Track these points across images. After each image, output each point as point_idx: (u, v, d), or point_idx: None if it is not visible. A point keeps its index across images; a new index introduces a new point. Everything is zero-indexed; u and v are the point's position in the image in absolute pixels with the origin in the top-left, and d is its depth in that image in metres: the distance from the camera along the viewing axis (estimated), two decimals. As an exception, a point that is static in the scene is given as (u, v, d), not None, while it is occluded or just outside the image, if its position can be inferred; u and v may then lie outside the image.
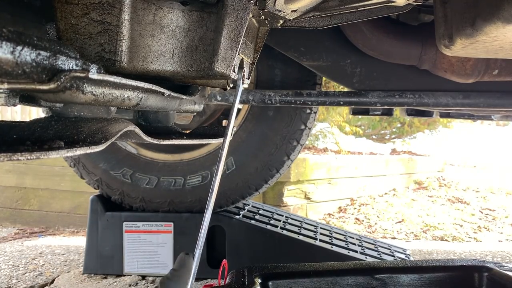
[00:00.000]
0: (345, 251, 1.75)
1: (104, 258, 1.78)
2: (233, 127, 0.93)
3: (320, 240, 1.79)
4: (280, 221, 1.92)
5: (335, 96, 1.45)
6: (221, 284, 1.07)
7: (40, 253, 2.21)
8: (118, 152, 1.78)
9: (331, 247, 1.76)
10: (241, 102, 1.49)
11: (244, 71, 0.78)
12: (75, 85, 0.46)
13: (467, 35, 0.82)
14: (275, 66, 1.63)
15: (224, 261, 1.05)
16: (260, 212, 1.99)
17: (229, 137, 0.81)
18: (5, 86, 0.40)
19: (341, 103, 1.45)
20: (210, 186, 1.80)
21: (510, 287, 1.07)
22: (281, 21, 0.89)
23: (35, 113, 4.32)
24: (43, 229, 2.91)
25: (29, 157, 0.40)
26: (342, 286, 1.14)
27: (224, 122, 2.15)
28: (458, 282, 1.14)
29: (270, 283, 1.09)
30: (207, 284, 1.30)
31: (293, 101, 1.46)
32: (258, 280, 1.08)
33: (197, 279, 1.73)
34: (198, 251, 0.74)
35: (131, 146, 1.79)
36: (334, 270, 1.17)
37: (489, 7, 0.73)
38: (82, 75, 0.45)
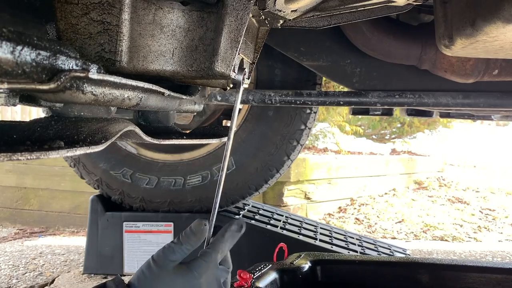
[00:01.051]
0: (345, 251, 1.75)
1: (104, 258, 1.78)
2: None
3: (320, 240, 1.79)
4: (280, 221, 1.92)
5: (335, 96, 1.45)
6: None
7: (40, 253, 2.21)
8: (118, 152, 1.78)
9: (331, 247, 1.76)
10: (241, 102, 1.49)
11: (245, 72, 0.78)
12: (75, 85, 0.46)
13: (467, 35, 0.82)
14: (275, 66, 1.63)
15: (283, 244, 1.19)
16: (260, 212, 1.98)
17: (232, 136, 0.82)
18: (5, 86, 0.40)
19: (341, 103, 1.45)
20: (210, 186, 1.81)
21: None
22: (281, 21, 0.89)
23: (35, 113, 4.32)
24: (43, 229, 2.91)
25: (29, 157, 0.40)
26: (383, 276, 1.21)
27: (224, 122, 2.15)
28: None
29: (318, 267, 1.22)
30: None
31: (293, 101, 1.46)
32: (308, 264, 1.20)
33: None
34: (213, 216, 0.80)
35: (131, 146, 1.79)
36: (379, 261, 1.26)
37: (489, 7, 0.73)
38: (82, 75, 0.45)
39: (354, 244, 1.91)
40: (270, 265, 1.16)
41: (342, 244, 1.84)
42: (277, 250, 1.18)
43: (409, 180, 4.20)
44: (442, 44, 0.93)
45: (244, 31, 0.68)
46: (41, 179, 3.01)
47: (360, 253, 1.79)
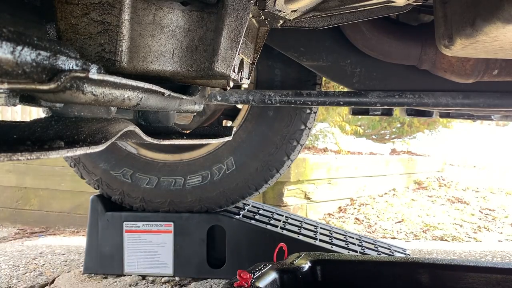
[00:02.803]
0: (345, 251, 1.75)
1: (104, 258, 1.78)
2: (233, 127, 0.94)
3: (320, 240, 1.79)
4: (280, 221, 1.92)
5: (335, 96, 1.45)
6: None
7: (41, 253, 2.21)
8: (118, 152, 1.78)
9: (331, 247, 1.76)
10: (241, 102, 1.49)
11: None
12: (75, 85, 0.46)
13: (467, 35, 0.82)
14: (275, 66, 1.63)
15: (283, 244, 1.22)
16: (260, 212, 1.99)
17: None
18: (5, 86, 0.40)
19: (341, 103, 1.45)
20: (210, 186, 1.82)
21: None
22: (281, 21, 0.89)
23: (35, 113, 4.33)
24: (43, 229, 2.91)
25: (29, 157, 0.40)
26: (383, 276, 1.21)
27: (224, 122, 2.15)
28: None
29: (318, 267, 1.23)
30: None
31: (293, 101, 1.46)
32: (308, 264, 1.21)
33: (198, 279, 1.73)
34: None
35: (131, 146, 1.79)
36: (379, 261, 1.27)
37: (489, 7, 0.73)
38: (82, 75, 0.45)
39: (354, 244, 1.91)
40: (270, 265, 1.16)
41: (342, 244, 1.84)
42: (277, 250, 1.18)
43: (409, 180, 4.20)
44: (442, 44, 0.93)
45: (244, 31, 0.68)
46: (42, 179, 3.01)
47: (360, 253, 1.79)
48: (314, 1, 0.82)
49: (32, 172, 3.03)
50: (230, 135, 0.92)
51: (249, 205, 2.06)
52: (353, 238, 2.02)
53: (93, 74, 0.46)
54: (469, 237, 2.76)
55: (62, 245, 2.40)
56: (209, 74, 0.69)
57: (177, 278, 1.74)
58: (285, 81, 1.63)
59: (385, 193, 3.82)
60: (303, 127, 1.67)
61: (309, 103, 1.46)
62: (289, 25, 1.01)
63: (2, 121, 0.49)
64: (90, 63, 0.47)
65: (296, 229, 1.86)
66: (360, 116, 2.73)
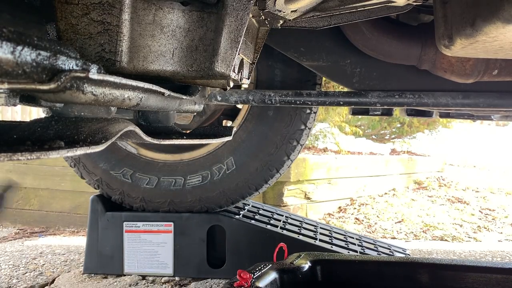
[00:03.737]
0: (345, 251, 1.75)
1: (104, 258, 1.78)
2: (233, 127, 0.94)
3: (320, 240, 1.79)
4: (280, 221, 1.92)
5: (335, 96, 1.45)
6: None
7: (41, 253, 2.21)
8: (118, 152, 1.78)
9: (331, 247, 1.76)
10: (241, 102, 1.49)
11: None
12: (75, 85, 0.46)
13: (467, 35, 0.82)
14: (275, 66, 1.63)
15: (283, 244, 1.22)
16: (260, 212, 1.99)
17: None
18: (5, 86, 0.40)
19: (341, 103, 1.45)
20: (210, 186, 1.82)
21: None
22: (281, 21, 0.89)
23: (35, 113, 4.33)
24: (43, 229, 2.91)
25: (29, 157, 0.40)
26: (383, 276, 1.22)
27: (224, 122, 2.15)
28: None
29: (318, 267, 1.23)
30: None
31: (293, 101, 1.46)
32: (308, 264, 1.22)
33: (198, 279, 1.73)
34: None
35: (131, 146, 1.79)
36: (378, 261, 1.27)
37: (489, 7, 0.73)
38: (82, 75, 0.45)
39: (354, 244, 1.91)
40: (270, 265, 1.16)
41: (342, 244, 1.84)
42: (277, 250, 1.19)
43: (409, 180, 4.20)
44: (442, 44, 0.93)
45: (244, 31, 0.68)
46: (42, 179, 3.01)
47: (360, 253, 1.79)
48: (314, 1, 0.82)
49: (32, 172, 3.03)
50: (230, 135, 0.92)
51: (249, 205, 2.06)
52: (353, 238, 2.02)
53: (93, 74, 0.46)
54: (469, 237, 2.76)
55: (62, 245, 2.40)
56: (209, 74, 0.69)
57: (177, 278, 1.74)
58: (285, 81, 1.63)
59: (385, 193, 3.82)
60: (303, 127, 1.67)
61: (309, 103, 1.46)
62: (289, 25, 1.01)
63: (2, 121, 0.49)
64: (90, 63, 0.47)
65: (296, 229, 1.86)
66: (360, 116, 2.74)
